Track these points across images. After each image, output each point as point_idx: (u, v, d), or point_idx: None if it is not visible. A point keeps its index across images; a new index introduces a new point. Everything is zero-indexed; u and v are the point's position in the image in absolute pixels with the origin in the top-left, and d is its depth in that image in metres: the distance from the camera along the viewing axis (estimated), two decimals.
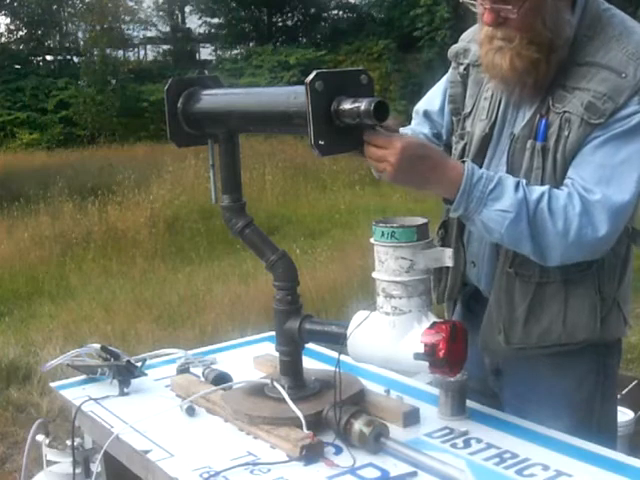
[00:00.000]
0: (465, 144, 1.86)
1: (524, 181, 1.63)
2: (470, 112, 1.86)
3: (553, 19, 1.62)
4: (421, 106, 2.08)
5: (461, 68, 1.89)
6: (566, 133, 1.64)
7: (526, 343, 1.76)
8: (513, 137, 1.74)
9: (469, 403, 1.78)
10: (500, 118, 1.79)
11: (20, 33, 26.69)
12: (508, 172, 1.72)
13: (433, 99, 2.04)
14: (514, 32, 1.63)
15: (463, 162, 1.63)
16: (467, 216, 1.62)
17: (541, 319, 1.75)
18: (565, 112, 1.64)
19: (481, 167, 1.76)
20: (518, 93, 1.72)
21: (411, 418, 1.73)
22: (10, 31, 26.59)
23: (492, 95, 1.80)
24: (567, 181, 1.63)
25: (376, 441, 1.58)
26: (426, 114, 2.05)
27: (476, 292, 1.90)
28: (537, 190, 1.61)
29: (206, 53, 28.72)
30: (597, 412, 1.83)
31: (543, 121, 1.67)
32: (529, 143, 1.69)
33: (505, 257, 1.75)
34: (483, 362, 1.90)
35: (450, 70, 1.95)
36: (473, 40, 1.85)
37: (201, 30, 28.80)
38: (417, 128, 2.05)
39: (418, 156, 1.57)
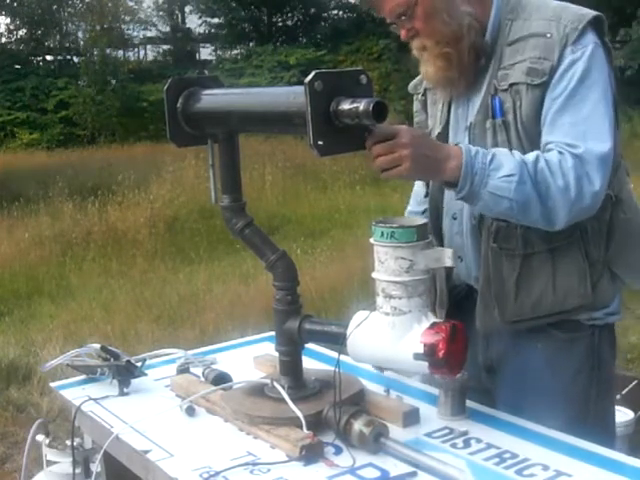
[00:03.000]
0: None
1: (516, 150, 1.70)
2: (432, 129, 1.98)
3: (450, 14, 1.76)
4: (409, 207, 2.22)
5: (419, 96, 2.05)
6: (519, 103, 1.74)
7: (520, 316, 1.80)
8: (470, 125, 1.83)
9: (469, 403, 1.78)
10: (453, 116, 1.90)
11: (20, 33, 26.71)
12: None
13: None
14: (424, 39, 1.80)
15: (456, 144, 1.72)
16: (474, 192, 1.65)
17: (531, 290, 1.78)
18: (511, 85, 1.76)
19: None
20: (455, 90, 1.86)
21: (411, 418, 1.73)
22: (10, 31, 26.61)
23: (442, 103, 1.94)
24: (550, 145, 1.69)
25: (376, 441, 1.58)
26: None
27: (466, 291, 1.94)
28: (530, 154, 1.68)
29: (206, 53, 28.75)
30: (593, 406, 1.83)
31: (497, 99, 1.78)
32: (488, 122, 1.79)
33: (488, 233, 1.80)
34: (476, 359, 1.91)
35: (414, 102, 2.09)
36: None
37: (201, 30, 28.83)
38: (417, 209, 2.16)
39: (426, 143, 1.64)
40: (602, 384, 1.87)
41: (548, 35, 1.73)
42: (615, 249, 1.81)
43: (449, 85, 1.85)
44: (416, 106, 2.08)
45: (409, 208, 2.20)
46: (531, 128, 1.74)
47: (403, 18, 1.78)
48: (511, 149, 1.73)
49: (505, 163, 1.64)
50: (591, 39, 1.72)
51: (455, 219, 1.90)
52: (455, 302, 1.97)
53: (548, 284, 1.77)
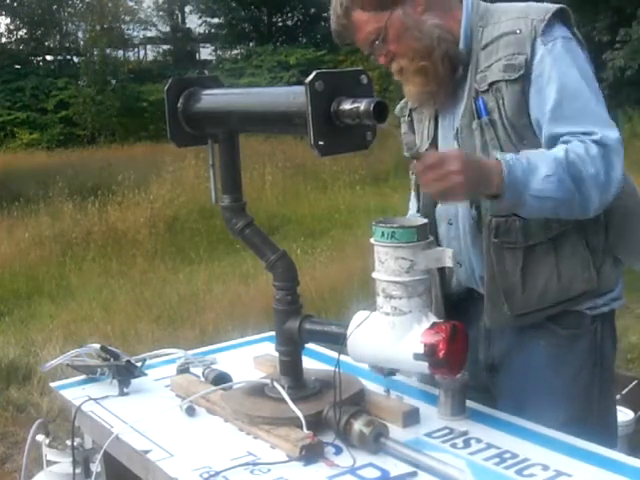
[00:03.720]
0: None
1: (539, 149, 1.72)
2: (420, 146, 2.01)
3: (420, 30, 1.81)
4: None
5: (406, 117, 2.07)
6: (501, 101, 1.78)
7: (528, 308, 1.81)
8: (457, 130, 1.86)
9: (469, 403, 1.78)
10: (440, 130, 1.93)
11: (20, 33, 26.71)
12: None
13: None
14: (401, 59, 1.84)
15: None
16: (518, 199, 1.66)
17: (537, 281, 1.80)
18: (491, 84, 1.79)
19: None
20: (438, 102, 1.90)
21: (411, 418, 1.73)
22: (10, 31, 26.61)
23: (429, 121, 1.97)
24: (566, 137, 1.71)
25: (376, 441, 1.59)
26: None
27: (465, 293, 1.95)
28: (558, 147, 1.69)
29: (206, 53, 28.78)
30: (595, 403, 1.84)
31: (480, 99, 1.81)
32: (474, 123, 1.81)
33: (488, 230, 1.81)
34: (477, 358, 1.91)
35: (401, 125, 2.11)
36: None
37: (201, 30, 28.85)
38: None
39: (473, 164, 1.64)
40: (604, 381, 1.88)
41: (518, 31, 1.77)
42: (614, 234, 1.84)
43: (430, 99, 1.89)
44: (403, 128, 2.10)
45: (411, 212, 2.19)
46: (517, 122, 1.77)
47: (377, 43, 1.83)
48: (500, 146, 1.77)
49: (541, 164, 1.65)
50: (560, 31, 1.77)
51: (451, 224, 1.91)
52: (453, 303, 1.98)
53: (553, 273, 1.79)
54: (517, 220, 1.78)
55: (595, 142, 1.67)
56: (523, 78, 1.75)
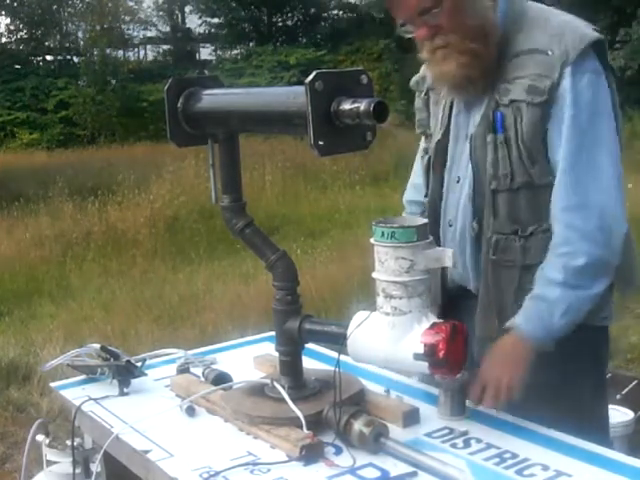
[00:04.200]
0: (429, 157, 2.00)
1: (535, 281, 1.76)
2: (432, 133, 2.00)
3: (476, 9, 1.75)
4: (407, 195, 2.21)
5: (422, 94, 2.04)
6: (519, 120, 1.76)
7: None
8: (471, 136, 1.84)
9: (469, 403, 1.78)
10: (454, 124, 1.91)
11: (20, 33, 26.68)
12: (473, 168, 1.84)
13: (415, 174, 2.17)
14: (449, 35, 1.75)
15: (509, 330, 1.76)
16: (553, 335, 1.74)
17: None
18: (512, 101, 1.76)
19: (443, 171, 1.94)
20: (472, 90, 1.82)
21: (411, 418, 1.73)
22: (10, 31, 26.58)
23: (443, 107, 1.94)
24: (558, 227, 1.74)
25: (376, 441, 1.59)
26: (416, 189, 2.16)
27: (461, 291, 1.95)
28: (553, 271, 1.73)
29: (206, 53, 28.73)
30: (587, 405, 1.84)
31: (499, 114, 1.79)
32: (489, 137, 1.80)
33: (487, 245, 1.82)
34: (473, 356, 1.91)
35: (416, 100, 2.08)
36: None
37: (201, 30, 28.81)
38: None
39: (504, 358, 1.73)
40: (597, 384, 1.89)
41: (549, 52, 1.72)
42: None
43: (465, 85, 1.81)
44: (417, 103, 2.07)
45: (408, 197, 2.19)
46: (532, 145, 1.76)
47: (433, 12, 1.73)
48: (511, 165, 1.77)
49: (553, 311, 1.72)
50: (591, 64, 1.73)
51: (451, 226, 1.92)
52: (451, 299, 1.97)
53: None
54: (517, 239, 1.79)
55: (597, 245, 1.71)
56: (545, 104, 1.72)
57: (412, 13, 1.75)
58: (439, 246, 1.93)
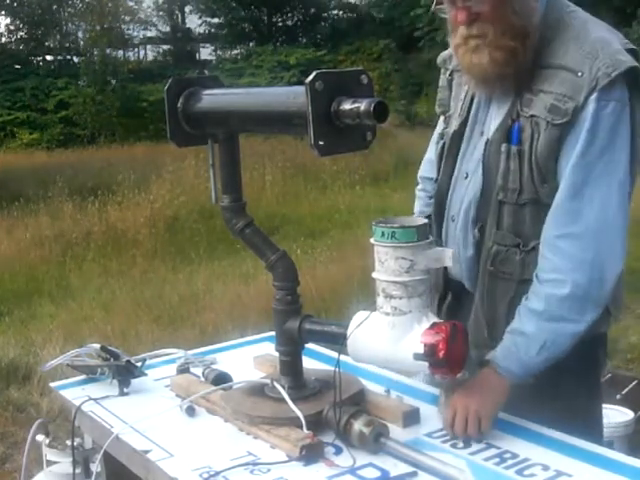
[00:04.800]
0: (444, 143, 1.96)
1: (517, 320, 1.72)
2: (452, 113, 1.95)
3: (521, 6, 1.69)
4: (422, 171, 2.17)
5: (447, 73, 1.98)
6: (536, 136, 1.70)
7: None
8: (487, 141, 1.81)
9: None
10: (472, 116, 1.87)
11: (20, 33, 26.69)
12: (483, 173, 1.80)
13: (431, 150, 2.12)
14: (487, 26, 1.69)
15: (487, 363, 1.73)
16: (529, 372, 1.72)
17: None
18: (532, 116, 1.71)
19: (455, 162, 1.90)
20: (499, 88, 1.77)
21: (411, 418, 1.73)
22: (10, 31, 26.59)
23: (465, 96, 1.89)
24: (544, 266, 1.70)
25: (376, 441, 1.59)
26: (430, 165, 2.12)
27: (465, 288, 1.93)
28: (534, 300, 1.70)
29: (206, 53, 28.75)
30: (582, 407, 1.83)
31: (516, 125, 1.74)
32: (503, 146, 1.75)
33: (487, 255, 1.80)
34: (470, 357, 1.90)
35: (440, 76, 2.02)
36: None
37: (201, 30, 28.83)
38: (424, 208, 2.12)
39: (476, 388, 1.69)
40: (592, 385, 1.88)
41: (579, 74, 1.65)
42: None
43: (493, 82, 1.76)
44: (442, 81, 2.01)
45: (423, 173, 2.16)
46: (544, 164, 1.71)
47: (475, 4, 1.67)
48: (520, 181, 1.73)
49: (532, 342, 1.68)
50: (618, 93, 1.65)
51: (453, 221, 1.90)
52: (454, 297, 1.97)
53: None
54: (518, 253, 1.76)
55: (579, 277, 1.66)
56: (565, 126, 1.66)
57: None
58: (441, 234, 1.93)
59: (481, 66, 1.72)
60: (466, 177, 1.86)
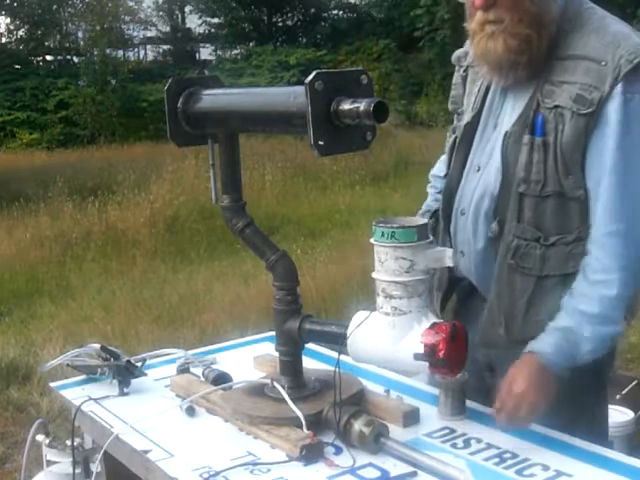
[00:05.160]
0: (455, 137, 1.95)
1: (565, 310, 1.70)
2: (464, 112, 1.94)
3: None
4: (434, 169, 2.17)
5: (461, 70, 1.97)
6: (561, 127, 1.69)
7: (524, 336, 1.77)
8: (506, 133, 1.78)
9: (469, 403, 1.78)
10: (486, 109, 1.85)
11: (20, 33, 26.68)
12: (503, 166, 1.78)
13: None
14: (504, 12, 1.69)
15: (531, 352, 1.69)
16: (574, 365, 1.69)
17: (541, 312, 1.76)
18: (556, 107, 1.70)
19: (467, 154, 1.88)
20: (512, 76, 1.76)
21: (411, 418, 1.73)
22: (10, 31, 26.57)
23: (479, 88, 1.88)
24: (596, 247, 1.69)
25: (376, 441, 1.59)
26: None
27: (472, 289, 1.92)
28: (588, 303, 1.68)
29: (206, 53, 28.74)
30: (589, 412, 1.83)
31: (540, 116, 1.72)
32: (526, 138, 1.73)
33: (507, 249, 1.77)
34: (477, 358, 1.90)
35: (455, 75, 2.01)
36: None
37: (201, 30, 28.85)
38: (431, 203, 2.12)
39: (533, 379, 1.66)
40: (600, 390, 1.87)
41: (603, 63, 1.65)
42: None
43: (507, 69, 1.75)
44: (456, 78, 2.00)
45: (434, 171, 2.16)
46: (570, 154, 1.69)
47: None
48: (545, 172, 1.71)
49: (586, 343, 1.67)
50: None
51: (463, 214, 1.86)
52: (459, 299, 1.97)
53: (557, 308, 1.74)
54: (538, 247, 1.74)
55: (618, 258, 1.66)
56: (591, 115, 1.66)
57: None
58: (449, 229, 1.91)
59: (496, 52, 1.72)
60: (478, 170, 1.84)
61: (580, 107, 1.66)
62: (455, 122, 2.00)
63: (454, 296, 1.99)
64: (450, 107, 2.03)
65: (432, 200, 2.12)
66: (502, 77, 1.79)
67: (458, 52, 2.00)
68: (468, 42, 1.96)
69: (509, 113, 1.81)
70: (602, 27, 1.72)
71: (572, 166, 1.70)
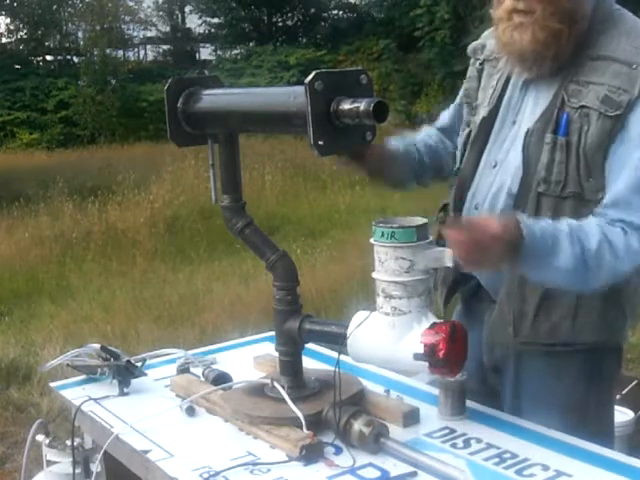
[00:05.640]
0: (469, 131, 1.90)
1: (575, 227, 1.60)
2: (480, 104, 1.89)
3: None
4: (418, 133, 2.13)
5: (477, 63, 1.92)
6: (586, 128, 1.65)
7: (534, 338, 1.76)
8: (528, 131, 1.74)
9: (469, 403, 1.78)
10: (504, 104, 1.81)
11: (20, 33, 26.69)
12: (524, 164, 1.73)
13: (448, 109, 2.09)
14: (536, 3, 1.64)
15: (517, 220, 1.58)
16: (526, 272, 1.63)
17: (551, 315, 1.74)
18: (583, 107, 1.66)
19: (482, 152, 1.83)
20: (536, 70, 1.73)
21: (411, 418, 1.73)
22: (10, 31, 26.59)
23: (497, 82, 1.84)
24: (618, 224, 1.61)
25: (376, 441, 1.59)
26: (440, 129, 2.10)
27: (479, 290, 1.90)
28: (593, 236, 1.59)
29: (206, 53, 28.76)
30: (592, 415, 1.81)
31: (565, 115, 1.68)
32: (549, 137, 1.69)
33: None
34: (482, 361, 1.90)
35: (470, 67, 1.97)
36: (490, 37, 1.89)
37: (201, 30, 28.86)
38: (416, 137, 2.08)
39: (499, 243, 1.54)
40: (602, 393, 1.86)
41: (634, 66, 1.62)
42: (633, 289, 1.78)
43: (531, 62, 1.71)
44: (471, 71, 1.95)
45: (416, 135, 2.10)
46: (592, 156, 1.66)
47: None
48: (566, 173, 1.68)
49: (562, 254, 1.57)
50: None
51: (476, 209, 1.83)
52: (464, 299, 1.96)
53: (569, 312, 1.73)
54: None
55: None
56: (617, 118, 1.62)
57: None
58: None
59: (521, 43, 1.67)
60: (494, 166, 1.81)
61: (608, 109, 1.63)
62: (466, 116, 1.96)
63: (458, 295, 1.98)
64: (463, 99, 1.98)
65: (421, 138, 2.06)
66: (525, 69, 1.75)
67: (474, 44, 1.95)
68: (485, 34, 1.94)
69: (530, 109, 1.77)
70: (634, 30, 1.69)
71: (594, 168, 1.67)
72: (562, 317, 1.74)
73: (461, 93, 2.00)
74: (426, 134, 2.11)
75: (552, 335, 1.75)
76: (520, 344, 1.78)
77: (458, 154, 1.97)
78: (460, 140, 1.95)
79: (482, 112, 1.86)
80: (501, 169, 1.80)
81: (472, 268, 1.63)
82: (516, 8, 1.67)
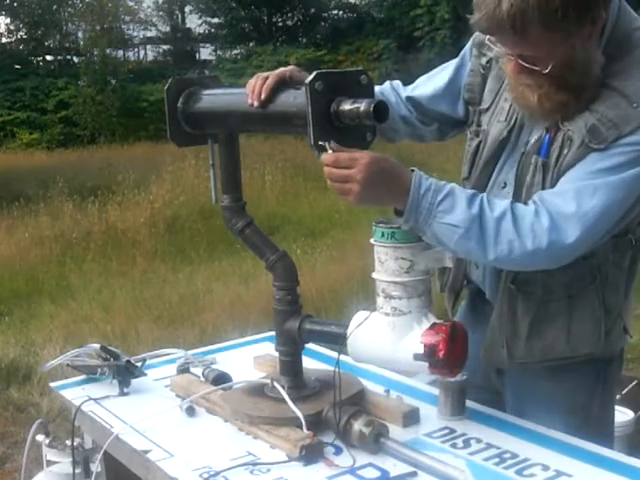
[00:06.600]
0: (480, 142, 1.81)
1: (484, 197, 1.56)
2: (488, 108, 1.80)
3: (583, 64, 1.55)
4: (410, 87, 2.01)
5: (483, 60, 1.80)
6: (565, 151, 1.59)
7: (529, 358, 1.75)
8: (523, 153, 1.70)
9: (469, 403, 1.78)
10: (519, 123, 1.73)
11: (20, 33, 26.72)
12: (515, 186, 1.70)
13: (427, 84, 1.96)
14: (542, 80, 1.56)
15: (412, 171, 1.54)
16: (417, 227, 1.53)
17: (545, 335, 1.72)
18: (568, 130, 1.59)
19: (493, 170, 1.76)
20: (544, 122, 1.66)
21: (411, 418, 1.73)
22: (10, 31, 26.62)
23: (511, 103, 1.75)
24: (536, 197, 1.56)
25: (376, 441, 1.59)
26: (410, 98, 1.98)
27: (481, 291, 1.89)
28: (498, 206, 1.54)
29: (206, 53, 28.79)
30: (594, 419, 1.81)
31: (547, 137, 1.64)
32: (533, 158, 1.66)
33: (507, 273, 1.72)
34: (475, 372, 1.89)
35: (472, 59, 1.84)
36: None
37: (201, 30, 28.89)
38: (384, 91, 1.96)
39: (382, 170, 1.50)
40: (605, 396, 1.85)
41: (635, 105, 1.52)
42: (631, 296, 1.77)
43: (542, 119, 1.65)
44: (474, 65, 1.83)
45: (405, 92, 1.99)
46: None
47: (532, 66, 1.54)
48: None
49: (456, 210, 1.51)
50: None
51: None
52: (469, 298, 1.95)
53: (562, 331, 1.71)
54: (539, 272, 1.65)
55: (554, 216, 1.51)
56: (598, 151, 1.54)
57: (515, 51, 1.56)
58: None
59: (530, 103, 1.60)
60: (504, 187, 1.74)
61: (592, 139, 1.54)
62: (471, 117, 1.86)
63: (463, 294, 1.96)
64: (465, 94, 1.87)
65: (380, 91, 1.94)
66: (534, 122, 1.69)
67: (480, 38, 1.79)
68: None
69: (536, 129, 1.70)
70: None
71: None
72: (556, 337, 1.72)
73: (463, 86, 1.87)
74: (380, 91, 1.96)
75: (547, 354, 1.73)
76: (516, 365, 1.77)
77: (465, 166, 1.87)
78: (468, 149, 1.86)
79: (498, 127, 1.76)
80: (509, 192, 1.72)
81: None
82: (528, 84, 1.58)
